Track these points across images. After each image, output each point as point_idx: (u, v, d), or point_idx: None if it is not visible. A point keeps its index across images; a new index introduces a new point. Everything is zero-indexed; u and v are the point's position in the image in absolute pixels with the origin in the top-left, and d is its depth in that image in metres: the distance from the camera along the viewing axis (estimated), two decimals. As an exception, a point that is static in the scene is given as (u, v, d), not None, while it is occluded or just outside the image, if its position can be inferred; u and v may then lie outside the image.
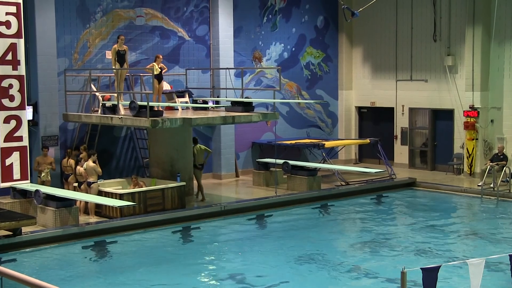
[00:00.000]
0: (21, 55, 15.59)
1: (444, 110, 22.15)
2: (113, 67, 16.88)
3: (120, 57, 16.83)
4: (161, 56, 17.85)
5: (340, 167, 20.85)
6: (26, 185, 15.64)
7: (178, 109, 18.46)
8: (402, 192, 19.72)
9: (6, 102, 15.38)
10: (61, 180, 17.24)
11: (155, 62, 17.47)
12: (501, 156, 19.45)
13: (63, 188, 16.81)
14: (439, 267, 7.53)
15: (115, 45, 16.95)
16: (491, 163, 19.11)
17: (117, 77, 16.96)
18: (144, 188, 16.28)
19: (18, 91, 15.54)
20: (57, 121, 17.71)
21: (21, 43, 15.57)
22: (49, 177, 16.31)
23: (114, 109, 16.71)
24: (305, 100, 23.32)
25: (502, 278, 10.85)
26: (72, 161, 16.73)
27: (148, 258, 13.09)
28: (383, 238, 14.45)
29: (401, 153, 23.40)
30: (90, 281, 11.77)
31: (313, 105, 23.86)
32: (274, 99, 19.39)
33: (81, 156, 16.61)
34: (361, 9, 19.22)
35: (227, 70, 20.27)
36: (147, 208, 15.93)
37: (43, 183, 16.16)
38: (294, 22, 23.20)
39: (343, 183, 19.81)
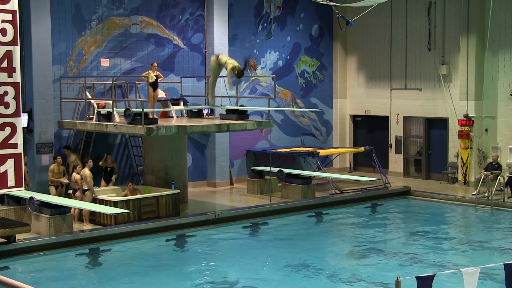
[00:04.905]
0: (17, 62, 15.58)
1: (439, 119, 22.21)
2: (212, 78, 17.09)
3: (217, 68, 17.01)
4: (156, 64, 17.90)
5: (335, 176, 20.86)
6: (20, 192, 15.61)
7: (173, 117, 18.47)
8: (396, 201, 19.72)
9: (1, 109, 15.35)
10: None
11: (150, 70, 17.51)
12: (496, 165, 19.48)
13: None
14: (433, 275, 7.55)
15: (217, 57, 16.99)
16: (485, 172, 19.15)
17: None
18: (138, 196, 16.26)
19: (13, 98, 15.54)
20: (52, 128, 17.69)
21: (16, 50, 15.57)
22: None
23: (109, 117, 16.71)
24: (300, 108, 23.35)
25: (497, 287, 10.86)
26: (78, 176, 16.11)
27: (142, 266, 13.06)
28: (377, 247, 14.44)
29: (395, 161, 23.44)
30: (84, 289, 11.76)
31: (307, 113, 23.89)
32: (268, 107, 19.41)
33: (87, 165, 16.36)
34: (355, 18, 19.21)
35: (222, 78, 20.26)
36: (142, 215, 15.92)
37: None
38: (289, 31, 23.26)
39: (338, 192, 19.83)
